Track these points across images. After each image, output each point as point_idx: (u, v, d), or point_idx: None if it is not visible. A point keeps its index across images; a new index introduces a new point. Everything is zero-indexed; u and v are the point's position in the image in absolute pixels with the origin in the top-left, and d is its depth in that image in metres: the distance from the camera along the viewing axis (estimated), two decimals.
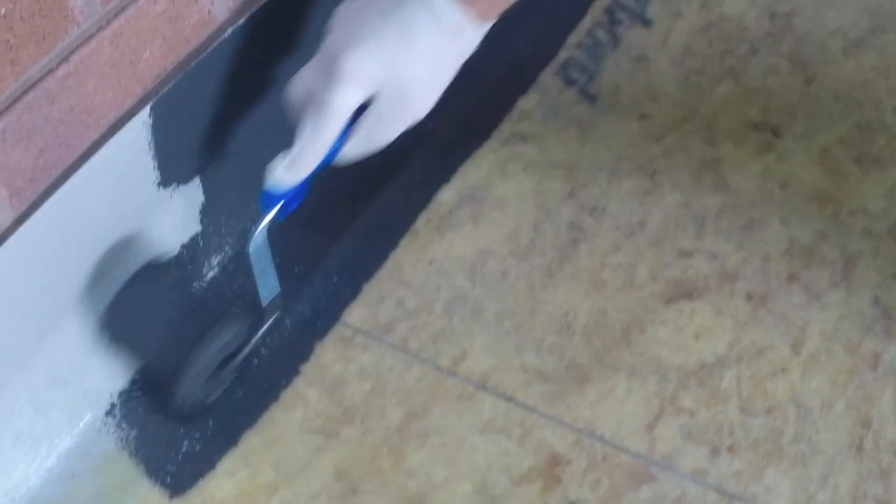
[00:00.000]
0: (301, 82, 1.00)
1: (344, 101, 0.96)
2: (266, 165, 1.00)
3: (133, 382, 1.13)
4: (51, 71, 0.95)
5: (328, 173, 1.02)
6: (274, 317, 1.10)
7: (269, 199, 1.01)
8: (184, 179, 1.13)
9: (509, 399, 1.11)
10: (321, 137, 0.98)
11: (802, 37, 1.38)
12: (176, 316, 1.07)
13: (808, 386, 1.10)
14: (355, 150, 1.01)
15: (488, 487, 1.06)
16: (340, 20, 0.98)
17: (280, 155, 0.99)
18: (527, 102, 1.34)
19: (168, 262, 1.12)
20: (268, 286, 1.09)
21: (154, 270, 1.10)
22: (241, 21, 1.11)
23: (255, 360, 1.13)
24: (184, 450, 1.09)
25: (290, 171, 1.00)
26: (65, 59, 0.96)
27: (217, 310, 1.09)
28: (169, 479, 1.07)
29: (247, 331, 1.09)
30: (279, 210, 1.02)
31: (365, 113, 0.99)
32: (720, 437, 1.08)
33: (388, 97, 0.97)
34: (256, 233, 1.04)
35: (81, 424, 1.10)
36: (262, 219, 1.03)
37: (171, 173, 1.11)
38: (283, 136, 1.00)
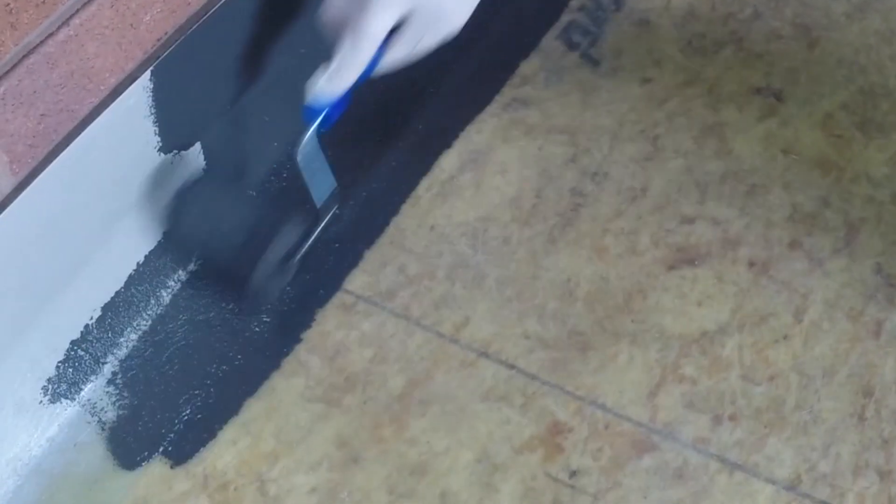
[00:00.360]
0: (335, 5, 1.03)
1: (379, 26, 1.01)
2: (272, 120, 1.07)
3: (134, 350, 1.13)
4: (51, 35, 0.94)
5: (328, 139, 1.02)
6: (333, 211, 1.13)
7: (310, 112, 1.05)
8: (185, 145, 1.12)
9: (511, 367, 1.11)
10: (359, 56, 1.02)
11: (805, 1, 1.37)
12: (237, 216, 1.12)
13: (811, 354, 1.10)
14: (394, 61, 1.05)
15: (490, 456, 1.06)
16: None
17: (320, 68, 1.03)
18: (528, 66, 1.33)
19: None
20: (323, 185, 1.11)
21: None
22: None
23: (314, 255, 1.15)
24: (185, 418, 1.08)
25: (329, 85, 1.03)
26: (65, 22, 0.95)
27: (274, 211, 1.14)
28: (170, 448, 1.07)
29: (305, 228, 1.12)
30: (322, 121, 1.05)
31: (402, 27, 1.03)
32: (722, 405, 1.08)
33: (424, 14, 1.02)
34: (304, 143, 1.06)
35: (83, 393, 1.10)
36: (308, 128, 1.06)
37: (172, 139, 1.10)
38: (285, 104, 1.00)
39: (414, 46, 1.04)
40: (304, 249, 1.12)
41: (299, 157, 1.07)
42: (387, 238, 1.20)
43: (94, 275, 1.08)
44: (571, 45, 1.34)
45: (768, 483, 1.03)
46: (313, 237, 1.12)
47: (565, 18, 1.37)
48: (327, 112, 1.05)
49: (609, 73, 1.32)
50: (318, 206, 1.12)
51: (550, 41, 1.35)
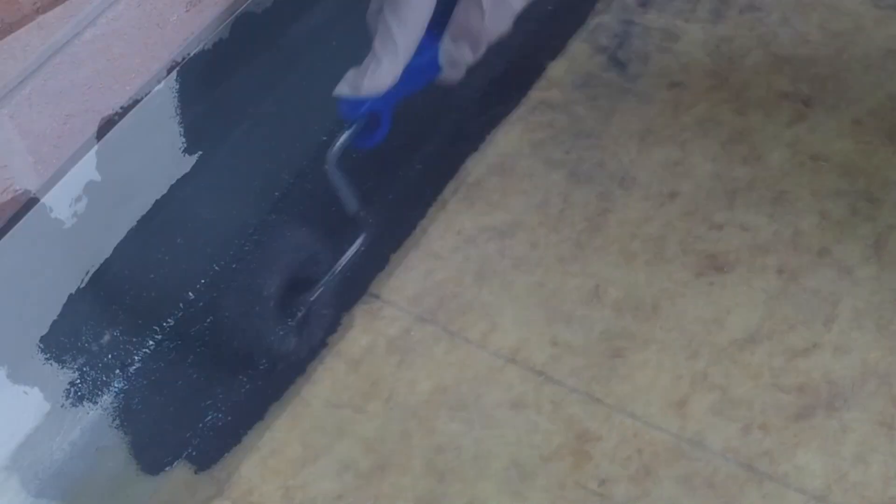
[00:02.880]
0: None
1: None
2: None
3: (157, 353, 1.12)
4: (77, 34, 0.94)
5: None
6: (361, 237, 1.07)
7: (348, 108, 0.93)
8: (211, 147, 1.11)
9: (539, 373, 1.10)
10: (402, 32, 0.86)
11: (833, 5, 1.36)
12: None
13: (840, 363, 1.09)
14: (457, 52, 0.90)
15: (518, 464, 1.05)
16: None
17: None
18: (555, 69, 1.32)
19: None
20: (349, 203, 1.04)
21: None
22: None
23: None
24: (209, 423, 1.08)
25: (373, 76, 0.88)
26: (91, 21, 0.95)
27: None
28: (194, 453, 1.06)
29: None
30: (361, 138, 0.95)
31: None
32: (751, 414, 1.06)
33: None
34: (335, 148, 0.98)
35: (106, 397, 1.09)
36: (343, 133, 0.95)
37: (197, 140, 1.09)
38: (316, 101, 0.97)
39: (478, 16, 0.87)
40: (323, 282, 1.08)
41: (330, 163, 1.00)
42: (413, 242, 1.19)
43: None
44: (598, 48, 1.33)
45: (799, 493, 1.02)
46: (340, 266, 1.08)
47: (592, 21, 1.36)
48: (368, 123, 0.95)
49: (636, 76, 1.31)
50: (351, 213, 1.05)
51: (577, 44, 1.33)
